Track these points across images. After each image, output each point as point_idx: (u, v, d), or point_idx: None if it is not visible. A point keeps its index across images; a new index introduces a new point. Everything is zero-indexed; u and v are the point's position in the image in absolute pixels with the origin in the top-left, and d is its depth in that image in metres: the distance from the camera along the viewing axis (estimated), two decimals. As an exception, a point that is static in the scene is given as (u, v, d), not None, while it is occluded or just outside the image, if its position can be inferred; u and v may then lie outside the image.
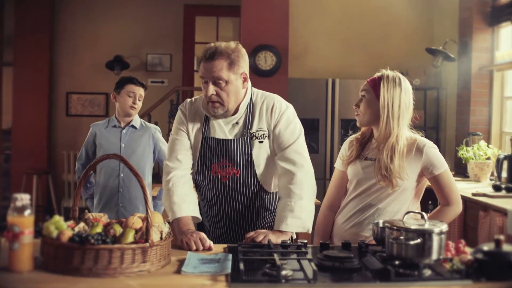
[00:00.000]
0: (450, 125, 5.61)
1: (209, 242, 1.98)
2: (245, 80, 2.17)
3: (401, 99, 2.24)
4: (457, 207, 2.28)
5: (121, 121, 3.26)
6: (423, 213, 1.77)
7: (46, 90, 6.88)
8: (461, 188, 4.02)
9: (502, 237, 1.66)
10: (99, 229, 1.71)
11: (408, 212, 1.81)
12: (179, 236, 2.05)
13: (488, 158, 4.57)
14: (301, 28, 5.89)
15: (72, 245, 1.61)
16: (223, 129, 2.21)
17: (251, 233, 2.08)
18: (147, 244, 1.66)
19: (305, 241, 1.99)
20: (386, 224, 1.75)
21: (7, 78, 6.70)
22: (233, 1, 6.52)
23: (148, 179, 3.29)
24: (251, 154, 2.19)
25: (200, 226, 2.33)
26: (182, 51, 7.19)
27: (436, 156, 2.25)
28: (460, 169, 4.99)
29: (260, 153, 2.21)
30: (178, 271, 1.68)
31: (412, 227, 1.68)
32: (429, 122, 5.83)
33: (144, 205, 1.83)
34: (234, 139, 2.19)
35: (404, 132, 2.25)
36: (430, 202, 3.54)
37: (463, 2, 5.23)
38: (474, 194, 3.74)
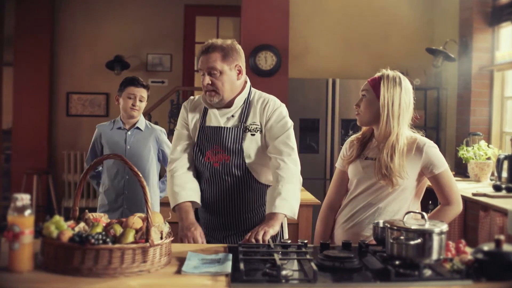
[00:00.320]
0: (450, 125, 5.61)
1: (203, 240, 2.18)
2: (239, 72, 2.32)
3: (401, 98, 2.25)
4: (457, 207, 2.28)
5: (125, 123, 3.25)
6: (424, 213, 1.77)
7: (47, 90, 6.89)
8: (462, 188, 4.02)
9: (502, 237, 1.66)
10: (99, 229, 1.72)
11: (408, 212, 1.82)
12: (179, 224, 2.24)
13: (489, 158, 4.57)
14: (301, 28, 5.89)
15: (72, 245, 1.61)
16: (218, 119, 2.35)
17: (248, 235, 2.11)
18: (147, 244, 1.66)
19: (305, 241, 2.00)
20: (387, 224, 1.76)
21: (7, 78, 6.70)
22: (234, 1, 6.52)
23: (153, 180, 3.28)
24: (241, 143, 2.31)
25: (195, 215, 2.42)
26: (183, 51, 7.19)
27: (436, 155, 2.25)
28: (461, 169, 4.99)
29: (251, 144, 2.33)
30: (179, 271, 1.68)
31: (413, 227, 1.68)
32: (429, 122, 5.83)
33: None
34: (227, 127, 2.34)
35: (404, 131, 2.26)
36: (430, 202, 3.54)
37: (464, 2, 5.23)
38: (474, 194, 3.74)
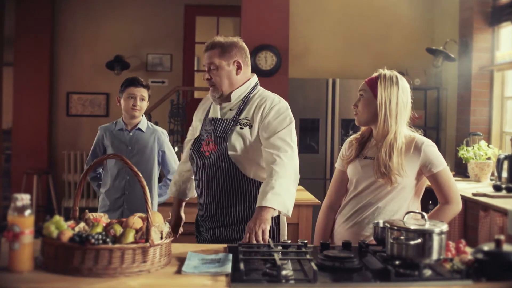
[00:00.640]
0: (450, 125, 5.61)
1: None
2: (239, 68, 2.39)
3: (399, 97, 2.26)
4: (457, 206, 2.28)
5: (127, 124, 3.25)
6: (423, 213, 1.77)
7: (47, 90, 6.89)
8: (462, 188, 4.02)
9: (502, 237, 1.66)
10: (99, 229, 1.72)
11: (408, 212, 1.82)
12: None
13: (489, 158, 4.57)
14: (301, 28, 5.89)
15: (73, 245, 1.61)
16: (217, 112, 2.43)
17: (246, 236, 2.09)
18: (147, 244, 1.66)
19: (306, 241, 2.00)
20: (387, 224, 1.76)
21: (7, 78, 6.70)
22: (234, 1, 6.52)
23: (154, 181, 3.27)
24: (227, 134, 2.34)
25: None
26: (183, 51, 7.19)
27: (435, 154, 2.26)
28: (461, 169, 4.99)
29: (237, 137, 2.34)
30: (179, 271, 1.68)
31: (413, 227, 1.68)
32: (429, 122, 5.83)
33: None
34: (219, 118, 2.40)
35: (402, 130, 2.27)
36: (430, 202, 3.54)
37: (464, 2, 5.23)
38: (474, 194, 3.74)
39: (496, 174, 4.34)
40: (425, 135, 2.36)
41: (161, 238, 1.75)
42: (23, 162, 6.63)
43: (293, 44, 5.70)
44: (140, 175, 1.74)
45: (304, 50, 5.91)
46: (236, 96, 2.40)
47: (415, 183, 2.29)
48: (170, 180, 3.31)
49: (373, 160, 2.28)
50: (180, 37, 7.17)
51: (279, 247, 1.96)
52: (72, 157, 6.82)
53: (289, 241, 2.05)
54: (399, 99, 2.26)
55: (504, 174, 4.23)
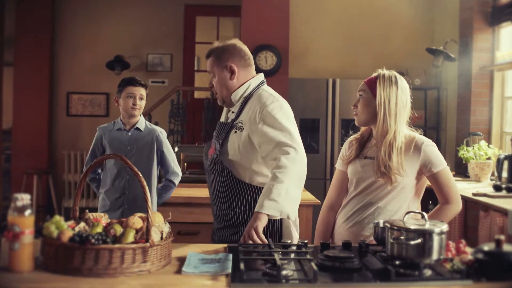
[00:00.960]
0: (450, 125, 5.61)
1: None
2: (232, 72, 2.36)
3: (398, 96, 2.27)
4: (457, 206, 2.28)
5: (126, 124, 3.25)
6: (424, 213, 1.77)
7: (47, 90, 6.89)
8: (462, 188, 4.02)
9: (502, 237, 1.66)
10: (99, 229, 1.72)
11: (408, 212, 1.82)
12: None
13: (489, 158, 4.57)
14: (301, 28, 5.89)
15: (73, 245, 1.61)
16: (223, 115, 2.49)
17: (242, 240, 2.09)
18: (148, 244, 1.66)
19: (306, 241, 2.00)
20: (387, 224, 1.76)
21: (7, 78, 6.71)
22: (234, 1, 6.52)
23: (153, 181, 3.27)
24: (223, 138, 2.36)
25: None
26: (183, 51, 7.19)
27: (435, 154, 2.26)
28: (461, 169, 4.99)
29: (231, 140, 2.35)
30: (179, 271, 1.68)
31: (413, 227, 1.68)
32: (429, 122, 5.83)
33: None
34: (222, 122, 2.45)
35: (402, 130, 2.27)
36: (430, 202, 3.54)
37: (464, 2, 5.23)
38: (474, 194, 3.73)
39: (496, 174, 4.34)
40: (425, 135, 2.37)
41: (161, 238, 1.75)
42: (23, 162, 6.63)
43: (293, 44, 5.70)
44: (140, 174, 1.74)
45: (304, 50, 5.91)
46: (236, 98, 2.38)
47: (415, 183, 2.29)
48: (169, 180, 3.31)
49: (373, 160, 2.28)
50: (180, 37, 7.17)
51: (279, 247, 1.96)
52: (72, 157, 6.82)
53: (289, 241, 2.05)
54: (398, 99, 2.27)
55: (504, 174, 4.23)
